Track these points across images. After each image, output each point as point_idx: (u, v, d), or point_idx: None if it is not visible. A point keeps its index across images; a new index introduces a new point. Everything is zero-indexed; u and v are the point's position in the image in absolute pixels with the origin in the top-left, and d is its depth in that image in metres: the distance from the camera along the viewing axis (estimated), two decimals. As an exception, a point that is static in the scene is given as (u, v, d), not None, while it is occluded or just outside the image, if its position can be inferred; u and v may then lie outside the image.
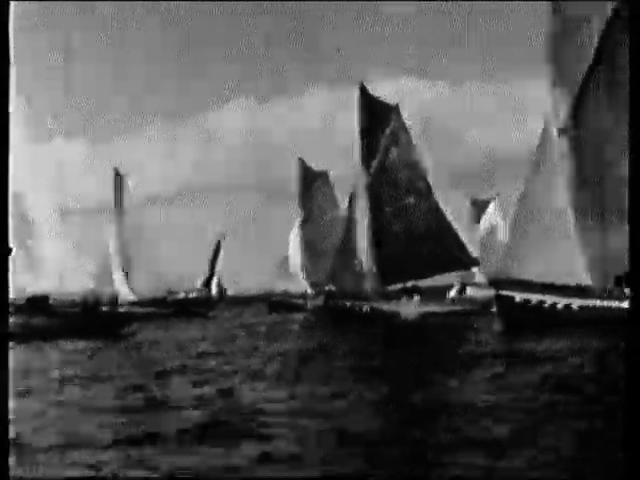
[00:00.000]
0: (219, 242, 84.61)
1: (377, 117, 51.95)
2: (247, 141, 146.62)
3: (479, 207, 70.40)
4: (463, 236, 58.08)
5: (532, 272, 34.32)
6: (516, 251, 34.71)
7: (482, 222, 68.72)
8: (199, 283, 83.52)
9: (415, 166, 51.74)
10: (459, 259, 51.15)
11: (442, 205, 52.04)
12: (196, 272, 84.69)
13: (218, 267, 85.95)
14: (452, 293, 53.15)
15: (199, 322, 53.57)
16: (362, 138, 52.20)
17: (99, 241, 62.99)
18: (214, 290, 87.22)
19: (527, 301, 34.34)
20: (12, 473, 9.40)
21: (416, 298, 49.41)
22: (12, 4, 9.20)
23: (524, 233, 34.63)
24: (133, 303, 59.62)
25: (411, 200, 51.61)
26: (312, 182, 64.42)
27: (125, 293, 61.58)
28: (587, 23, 35.04)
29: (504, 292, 34.71)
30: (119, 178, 65.84)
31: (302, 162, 65.11)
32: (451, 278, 54.50)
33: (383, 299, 50.70)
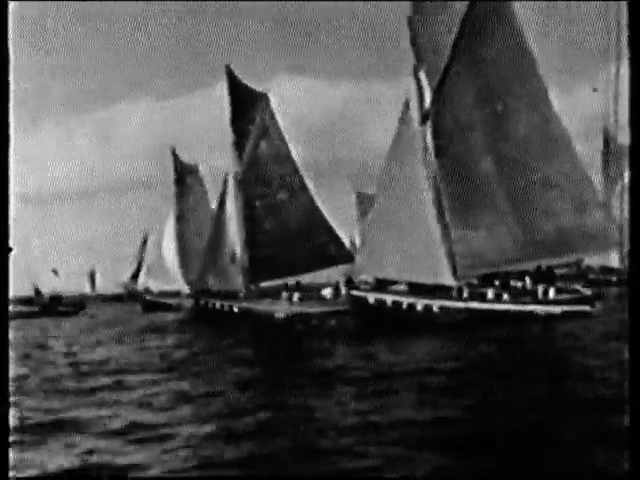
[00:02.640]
0: (146, 237, 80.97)
1: (246, 105, 48.12)
2: (146, 139, 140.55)
3: (365, 201, 67.90)
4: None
5: (390, 271, 31.09)
6: (373, 249, 31.31)
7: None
8: (126, 278, 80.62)
9: (286, 160, 48.05)
10: (334, 255, 47.78)
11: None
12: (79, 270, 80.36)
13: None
14: (325, 292, 49.58)
15: (57, 321, 49.17)
16: (233, 128, 48.32)
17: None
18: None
19: (382, 302, 31.06)
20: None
21: (296, 296, 45.79)
22: (11, 4, 8.94)
23: (382, 229, 31.20)
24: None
25: (283, 196, 48.12)
26: (184, 176, 60.40)
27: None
28: (447, 6, 31.88)
29: (356, 292, 31.42)
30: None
31: (175, 155, 60.91)
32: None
33: (258, 298, 47.31)
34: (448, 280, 31.11)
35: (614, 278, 59.33)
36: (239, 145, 48.06)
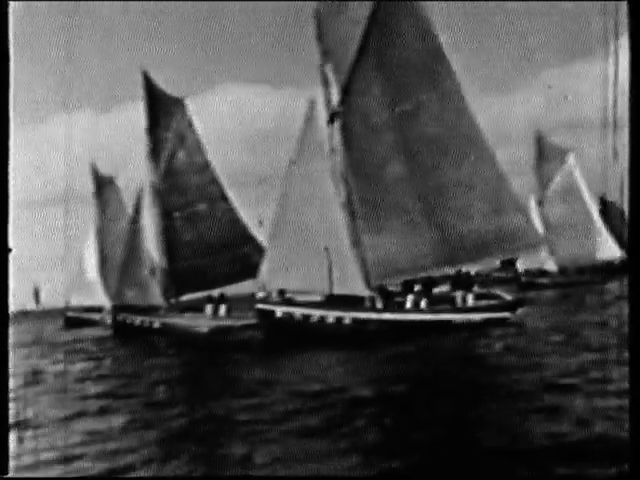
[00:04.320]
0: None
1: (163, 113, 45.27)
2: (83, 151, 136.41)
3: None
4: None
5: (296, 282, 28.49)
6: (277, 258, 28.68)
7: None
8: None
9: (204, 169, 45.34)
10: (257, 266, 44.99)
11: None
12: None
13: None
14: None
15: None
16: (148, 136, 45.37)
17: None
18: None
19: (290, 315, 28.42)
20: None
21: (223, 309, 42.85)
22: (11, 4, 8.76)
23: (287, 238, 28.62)
24: None
25: (203, 206, 45.41)
26: (102, 188, 57.21)
27: None
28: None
29: (262, 305, 28.77)
30: None
31: (93, 168, 57.70)
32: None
33: (180, 312, 44.36)
34: (360, 290, 28.57)
35: (547, 281, 57.69)
36: (155, 154, 45.20)
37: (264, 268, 28.63)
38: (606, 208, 79.29)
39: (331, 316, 28.09)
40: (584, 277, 57.89)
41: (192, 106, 44.92)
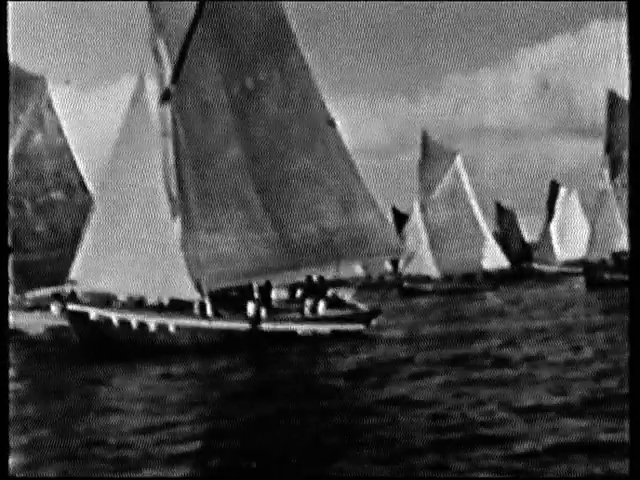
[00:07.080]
0: None
1: (16, 91, 40.15)
2: None
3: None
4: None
5: (112, 282, 24.12)
6: (92, 255, 24.14)
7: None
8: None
9: (62, 153, 40.57)
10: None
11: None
12: None
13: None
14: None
15: None
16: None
17: None
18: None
19: (108, 320, 24.02)
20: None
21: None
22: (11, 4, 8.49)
23: (104, 232, 24.07)
24: None
25: (59, 194, 40.60)
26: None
27: None
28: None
29: (74, 307, 24.36)
30: None
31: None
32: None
33: (26, 310, 39.38)
34: (188, 293, 24.37)
35: (430, 287, 54.35)
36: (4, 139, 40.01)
37: (75, 265, 24.06)
38: (501, 214, 77.08)
39: (152, 323, 23.85)
40: (470, 284, 54.59)
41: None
